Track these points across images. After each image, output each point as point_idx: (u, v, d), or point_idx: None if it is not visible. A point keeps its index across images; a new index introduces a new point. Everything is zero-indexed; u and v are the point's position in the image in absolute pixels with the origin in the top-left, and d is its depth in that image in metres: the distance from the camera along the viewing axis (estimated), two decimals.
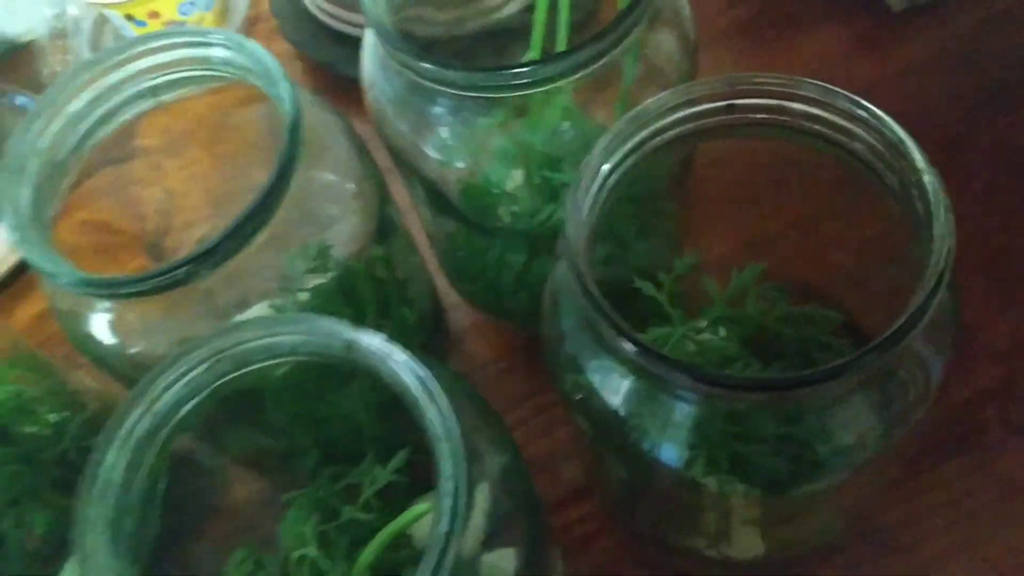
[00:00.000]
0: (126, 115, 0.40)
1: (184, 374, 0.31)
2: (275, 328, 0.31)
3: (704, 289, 0.43)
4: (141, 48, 0.37)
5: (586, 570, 0.48)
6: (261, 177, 0.55)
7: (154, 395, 0.30)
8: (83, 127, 0.38)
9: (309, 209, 0.38)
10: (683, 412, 0.32)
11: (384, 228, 0.43)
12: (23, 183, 0.36)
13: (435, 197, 0.45)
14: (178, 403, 0.31)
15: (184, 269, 0.33)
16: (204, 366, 0.31)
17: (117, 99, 0.39)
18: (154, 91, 0.39)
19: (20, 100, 0.67)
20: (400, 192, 0.46)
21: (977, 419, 0.49)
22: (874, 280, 0.43)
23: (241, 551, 0.41)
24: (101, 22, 0.69)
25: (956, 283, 0.31)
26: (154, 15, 0.64)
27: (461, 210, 0.45)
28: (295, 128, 0.34)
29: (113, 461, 0.30)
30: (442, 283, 0.54)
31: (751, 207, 0.44)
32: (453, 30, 0.50)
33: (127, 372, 0.39)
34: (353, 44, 0.64)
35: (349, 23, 0.63)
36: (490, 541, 0.32)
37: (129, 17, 0.64)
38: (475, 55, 0.51)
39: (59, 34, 0.66)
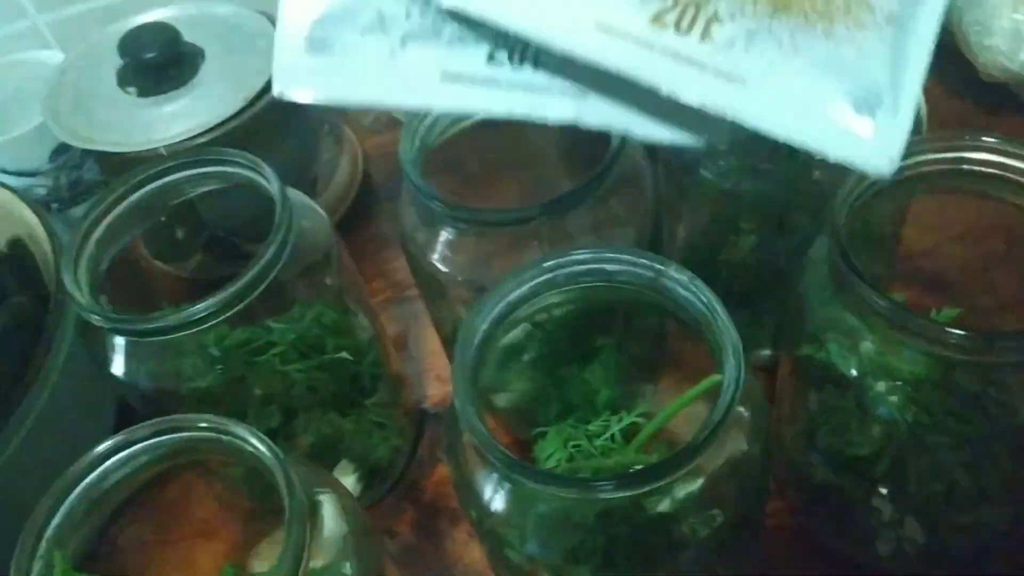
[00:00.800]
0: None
1: (534, 276, 0.42)
2: (602, 255, 0.42)
3: None
4: None
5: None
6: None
7: (515, 284, 0.42)
8: (451, 118, 0.52)
9: (609, 208, 0.50)
10: (910, 367, 0.41)
11: (656, 234, 0.54)
12: (413, 142, 0.49)
13: (694, 217, 0.56)
14: (525, 297, 0.42)
15: (535, 210, 0.45)
16: (548, 275, 0.42)
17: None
18: None
19: (329, 127, 0.83)
20: None
21: None
22: None
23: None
24: None
25: None
26: None
27: (709, 232, 0.56)
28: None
29: (478, 325, 0.41)
30: None
31: (957, 264, 0.53)
32: None
33: (450, 298, 0.51)
34: None
35: None
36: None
37: None
38: None
39: None
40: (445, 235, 0.49)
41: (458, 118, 0.52)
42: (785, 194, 0.53)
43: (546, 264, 0.42)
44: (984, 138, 0.43)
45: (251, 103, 0.69)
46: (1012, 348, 0.38)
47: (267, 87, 0.70)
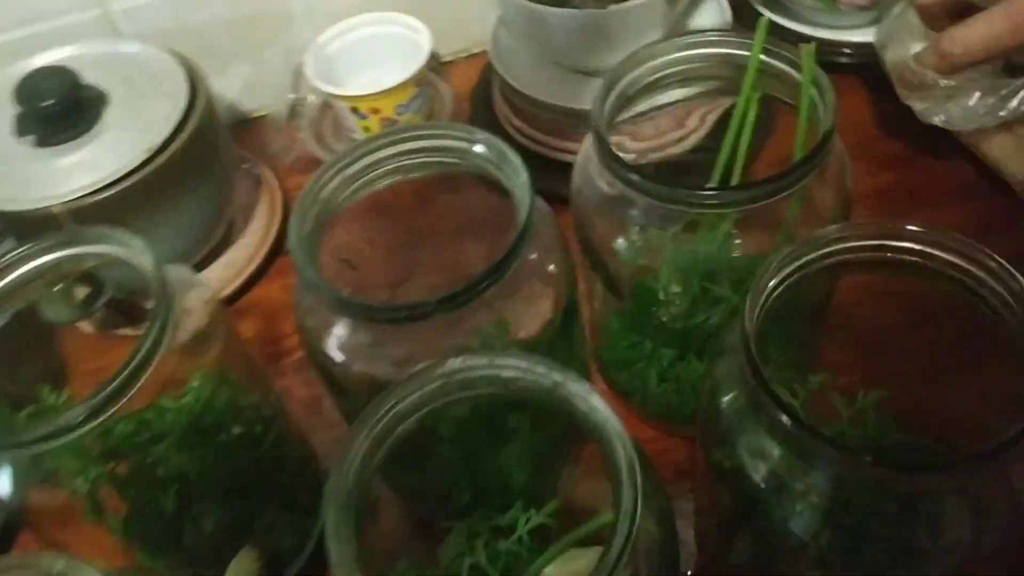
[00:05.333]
0: (380, 184, 0.50)
1: (423, 386, 0.39)
2: (499, 362, 0.39)
3: (828, 407, 0.49)
4: (415, 132, 0.47)
5: None
6: (453, 258, 0.64)
7: (399, 397, 0.39)
8: (354, 186, 0.48)
9: (515, 283, 0.47)
10: (819, 487, 0.38)
11: (568, 311, 0.51)
12: (306, 221, 0.46)
13: (612, 288, 0.53)
14: (413, 409, 0.39)
15: (430, 306, 0.41)
16: (439, 383, 0.39)
17: (381, 171, 0.49)
18: (408, 169, 0.49)
19: (248, 167, 0.79)
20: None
21: None
22: (985, 423, 0.49)
23: (403, 562, 0.48)
24: (324, 108, 0.81)
25: None
26: (375, 111, 0.76)
27: (631, 304, 0.53)
28: (530, 215, 0.43)
29: (358, 448, 0.38)
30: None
31: (883, 338, 0.51)
32: (642, 157, 0.59)
33: (345, 387, 0.48)
34: (539, 162, 0.75)
35: (539, 142, 0.73)
36: None
37: (354, 109, 0.76)
38: (667, 174, 0.60)
39: (294, 115, 0.78)
40: (340, 326, 0.46)
41: (356, 191, 0.49)
42: (703, 265, 0.50)
43: (437, 371, 0.39)
44: (907, 227, 0.41)
45: (159, 151, 0.65)
46: (931, 479, 0.35)
47: (177, 131, 0.66)
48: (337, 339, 0.46)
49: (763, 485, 0.40)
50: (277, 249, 0.76)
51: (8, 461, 0.45)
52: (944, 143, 0.72)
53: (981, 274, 0.39)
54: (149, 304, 0.68)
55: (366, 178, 0.49)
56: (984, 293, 0.40)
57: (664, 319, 0.53)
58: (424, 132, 0.47)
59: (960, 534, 0.39)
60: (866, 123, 0.77)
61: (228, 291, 0.73)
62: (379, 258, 0.65)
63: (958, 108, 0.66)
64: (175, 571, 0.57)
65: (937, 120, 0.67)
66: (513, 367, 0.39)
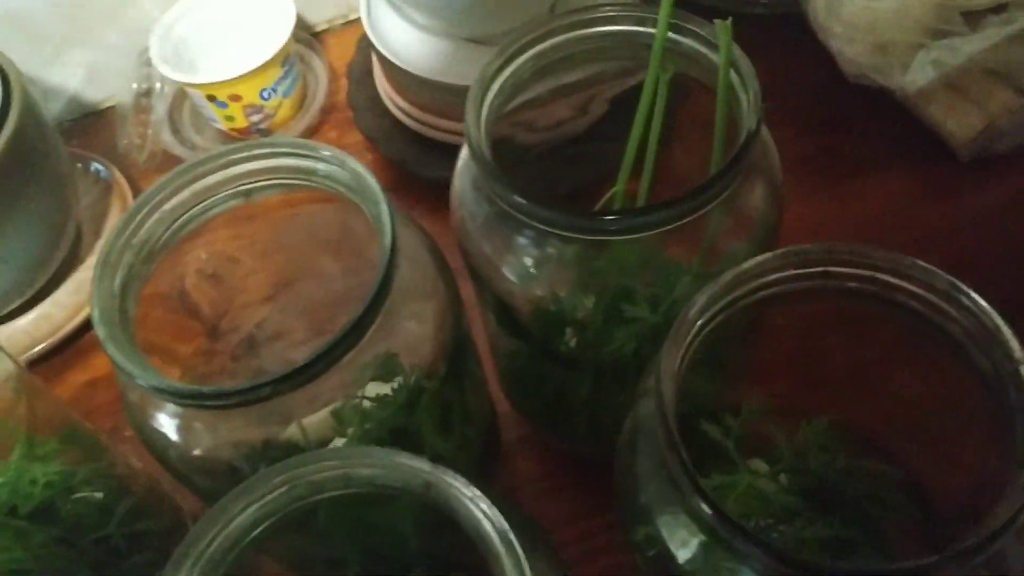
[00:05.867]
0: (216, 212, 0.41)
1: (261, 496, 0.31)
2: (355, 460, 0.31)
3: (763, 430, 0.43)
4: (244, 154, 0.38)
5: None
6: (324, 264, 0.56)
7: (231, 515, 0.30)
8: (176, 224, 0.39)
9: (388, 323, 0.38)
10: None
11: (456, 345, 0.43)
12: (116, 277, 0.36)
13: (505, 315, 0.45)
14: (252, 525, 0.31)
15: (268, 388, 0.33)
16: (282, 490, 0.31)
17: (211, 200, 0.40)
18: (248, 194, 0.40)
19: (95, 167, 0.68)
20: (467, 293, 0.46)
21: None
22: (940, 441, 0.42)
23: None
24: (181, 97, 0.71)
25: None
26: (235, 98, 0.66)
27: (530, 331, 0.45)
28: (392, 255, 0.34)
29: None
30: (494, 390, 0.54)
31: (820, 355, 0.44)
32: (539, 145, 0.50)
33: (186, 471, 0.39)
34: (426, 144, 0.65)
35: (425, 123, 0.64)
36: None
37: (211, 98, 0.66)
38: (556, 170, 0.52)
39: (142, 107, 0.67)
40: (168, 411, 0.37)
41: (206, 207, 0.40)
42: (614, 287, 0.42)
43: (276, 479, 0.30)
44: (851, 251, 0.33)
45: None
46: None
47: None
48: (171, 420, 0.37)
49: (687, 569, 0.33)
50: None
51: None
52: (877, 103, 0.64)
53: (946, 307, 0.32)
54: None
55: (193, 211, 0.39)
56: (948, 327, 0.32)
57: (571, 347, 0.45)
58: (255, 152, 0.38)
59: None
60: (790, 83, 0.69)
61: (77, 320, 0.63)
62: (251, 268, 0.56)
63: (898, 66, 0.59)
64: None
65: (867, 81, 0.59)
66: (373, 464, 0.31)
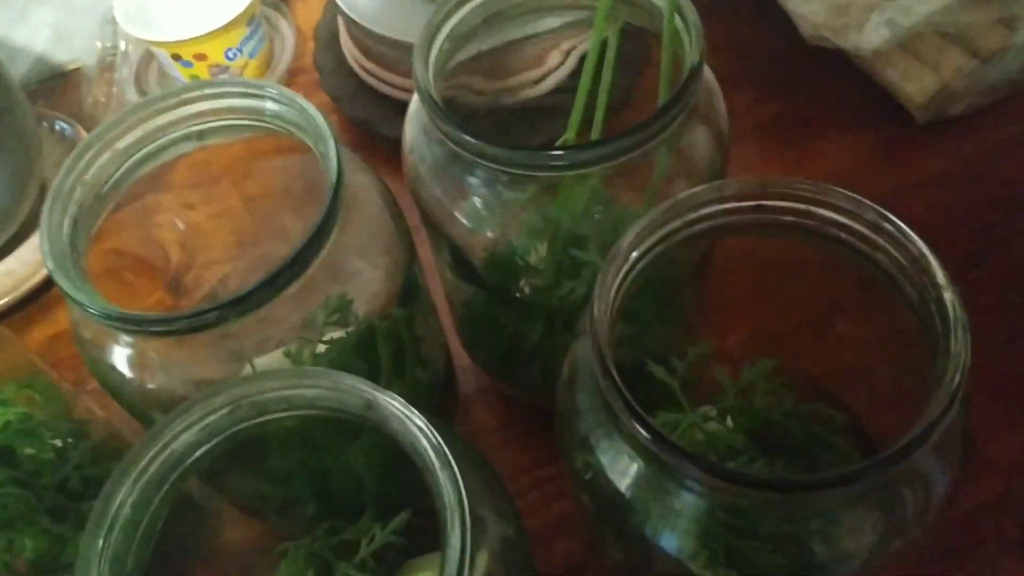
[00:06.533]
0: (169, 155, 0.41)
1: (203, 417, 0.31)
2: (296, 380, 0.32)
3: (714, 378, 0.43)
4: (195, 93, 0.39)
5: None
6: (288, 222, 0.56)
7: (171, 436, 0.31)
8: (128, 163, 0.39)
9: (337, 263, 0.39)
10: (688, 502, 0.32)
11: (408, 288, 0.43)
12: (67, 212, 0.37)
13: (460, 262, 0.46)
14: (194, 445, 0.32)
15: (214, 314, 0.33)
16: (224, 411, 0.32)
17: (164, 139, 0.40)
18: (200, 135, 0.41)
19: (60, 126, 0.68)
20: (424, 252, 0.47)
21: (975, 533, 0.49)
22: (882, 384, 0.43)
23: None
24: (147, 58, 0.71)
25: (967, 401, 0.31)
26: (200, 57, 0.66)
27: (484, 277, 0.46)
28: (337, 188, 0.35)
29: (123, 499, 0.30)
30: (454, 345, 0.55)
31: (767, 302, 0.45)
32: (495, 101, 0.51)
33: (142, 406, 0.40)
34: (391, 104, 0.66)
35: (389, 84, 0.64)
36: None
37: (176, 57, 0.66)
38: (512, 128, 0.52)
39: (107, 66, 0.67)
40: (121, 340, 0.37)
41: (155, 148, 0.40)
42: (565, 232, 0.43)
43: (218, 400, 0.31)
44: (785, 185, 0.34)
45: None
46: (814, 495, 0.29)
47: None
48: (124, 352, 0.38)
49: (628, 496, 0.33)
50: None
51: None
52: (835, 65, 0.65)
53: (873, 235, 0.33)
54: None
55: (146, 150, 0.40)
56: (877, 257, 0.33)
57: (525, 293, 0.46)
58: (207, 92, 0.39)
59: (863, 538, 0.33)
60: (748, 46, 0.70)
61: (42, 274, 0.63)
62: (215, 225, 0.57)
63: (854, 27, 0.60)
64: None
65: (825, 43, 0.60)
66: (314, 386, 0.31)
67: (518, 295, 0.46)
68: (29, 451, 0.46)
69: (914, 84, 0.61)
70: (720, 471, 0.28)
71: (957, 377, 0.28)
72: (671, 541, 0.33)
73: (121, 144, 0.39)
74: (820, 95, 0.67)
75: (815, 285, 0.42)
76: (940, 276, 0.31)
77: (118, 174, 0.39)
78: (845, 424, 0.45)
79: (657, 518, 0.33)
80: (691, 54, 0.38)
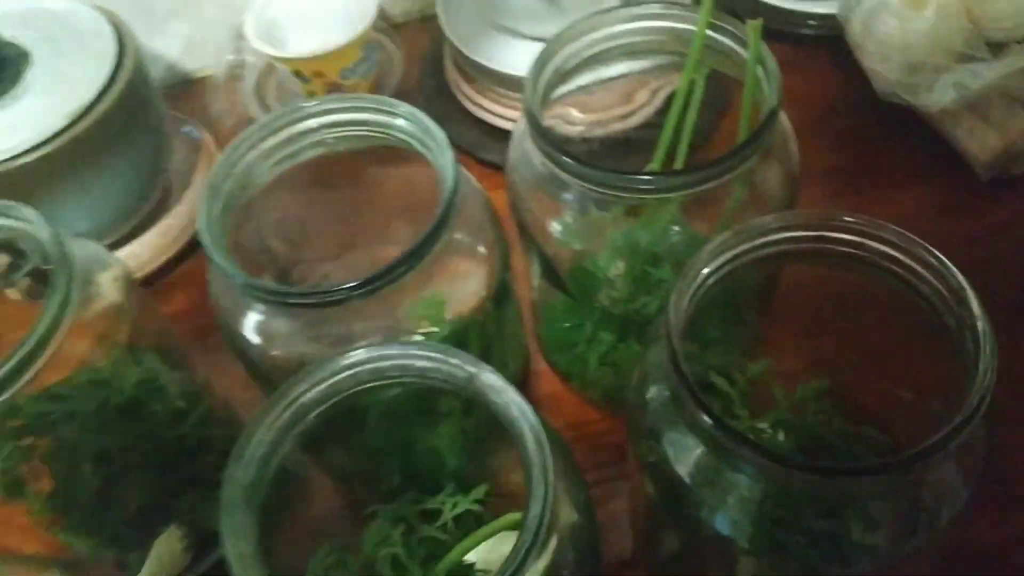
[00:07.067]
0: (303, 156, 0.48)
1: (330, 376, 0.37)
2: (411, 351, 0.37)
3: (771, 395, 0.48)
4: (336, 104, 0.45)
5: None
6: (392, 228, 0.62)
7: (301, 390, 0.36)
8: (270, 161, 0.46)
9: (445, 260, 0.45)
10: (741, 485, 0.36)
11: (500, 292, 0.49)
12: (218, 198, 0.43)
13: (549, 271, 0.51)
14: (318, 401, 0.37)
15: (343, 292, 0.39)
16: (347, 373, 0.37)
17: (303, 143, 0.46)
18: (333, 142, 0.47)
19: (187, 129, 0.76)
20: (515, 262, 0.52)
21: (1008, 565, 0.52)
22: (924, 415, 0.47)
23: (325, 548, 0.46)
24: (268, 72, 0.78)
25: (992, 417, 0.35)
26: (318, 74, 0.73)
27: (568, 287, 0.51)
28: (453, 195, 0.41)
29: (260, 438, 0.36)
30: (532, 350, 0.60)
31: (821, 329, 0.49)
32: (587, 132, 0.56)
33: (262, 369, 0.46)
34: (486, 129, 0.72)
35: (487, 110, 0.71)
36: None
37: (297, 73, 0.73)
38: (600, 158, 0.57)
39: (234, 77, 0.75)
40: (255, 310, 0.43)
41: (278, 163, 0.46)
42: (645, 251, 0.48)
43: (343, 362, 0.37)
44: (845, 218, 0.39)
45: (82, 115, 0.62)
46: (849, 481, 0.34)
47: (102, 94, 0.63)
48: (254, 322, 0.44)
49: (687, 481, 0.38)
50: None
51: None
52: (905, 121, 0.70)
53: (919, 268, 0.37)
54: None
55: (285, 152, 0.46)
56: (922, 288, 0.38)
57: (604, 303, 0.51)
58: (346, 105, 0.45)
59: (889, 532, 0.37)
60: (825, 98, 0.74)
61: (162, 260, 0.70)
62: (318, 231, 0.63)
63: (925, 86, 0.64)
64: (98, 551, 0.56)
65: (897, 99, 0.64)
66: (425, 357, 0.37)
67: (597, 305, 0.51)
68: (156, 409, 0.52)
69: (979, 143, 0.65)
70: (771, 453, 0.33)
71: (983, 386, 0.33)
72: (723, 521, 0.38)
73: (266, 145, 0.45)
74: (889, 148, 0.71)
75: (866, 316, 0.46)
76: (976, 307, 0.35)
77: (261, 170, 0.45)
78: (887, 447, 0.49)
79: (712, 500, 0.38)
80: (770, 99, 0.43)
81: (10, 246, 0.61)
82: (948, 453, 0.33)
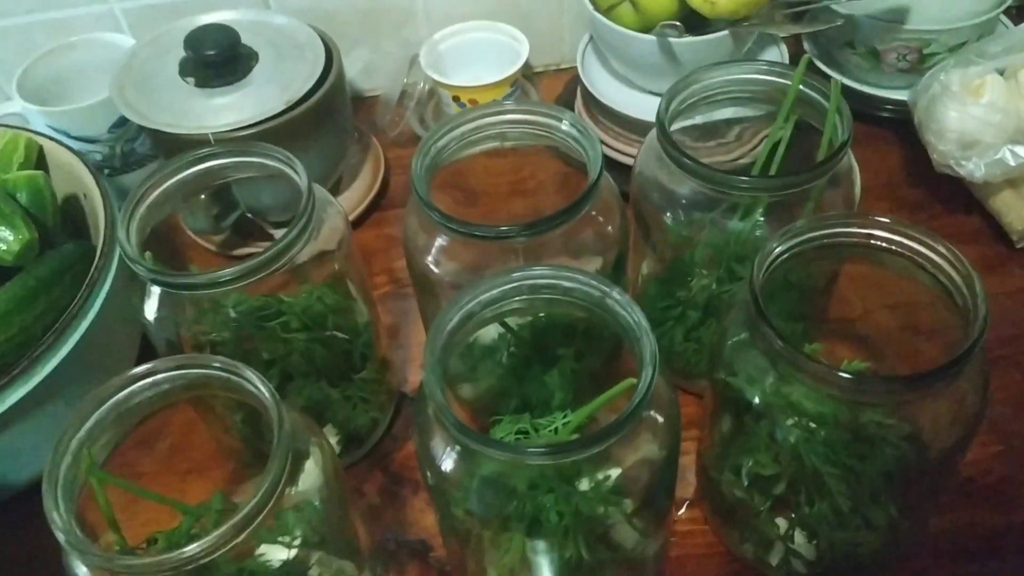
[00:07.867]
0: (480, 146, 0.63)
1: (498, 287, 0.51)
2: (560, 273, 0.51)
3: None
4: (512, 106, 0.60)
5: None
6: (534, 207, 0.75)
7: (483, 289, 0.51)
8: (463, 142, 0.61)
9: (582, 237, 0.59)
10: (805, 399, 0.50)
11: (617, 267, 0.63)
12: (426, 160, 0.59)
13: (657, 254, 0.66)
14: (491, 301, 0.51)
15: (516, 229, 0.54)
16: (510, 285, 0.51)
17: (484, 133, 0.61)
18: (505, 136, 0.62)
19: (360, 136, 0.92)
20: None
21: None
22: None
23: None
24: (430, 95, 0.95)
25: (985, 366, 0.48)
26: (473, 102, 0.89)
27: (670, 271, 0.66)
28: (598, 179, 0.56)
29: (448, 318, 0.50)
30: None
31: (865, 316, 0.62)
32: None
33: (439, 292, 0.60)
34: (610, 165, 0.87)
35: (611, 147, 0.86)
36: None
37: (456, 98, 0.89)
38: None
39: (405, 97, 0.92)
40: (440, 241, 0.58)
41: (467, 144, 0.62)
42: (734, 246, 0.62)
43: (514, 274, 0.51)
44: (881, 219, 0.52)
45: (293, 106, 0.78)
46: (883, 390, 0.48)
47: (310, 92, 0.79)
48: (436, 254, 0.59)
49: (756, 400, 0.52)
50: (375, 205, 0.90)
51: (164, 296, 0.58)
52: (957, 193, 0.83)
53: (937, 258, 0.51)
54: (271, 227, 0.82)
55: (471, 138, 0.61)
56: (941, 277, 0.51)
57: (694, 288, 0.65)
58: (522, 107, 0.60)
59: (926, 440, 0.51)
60: (894, 170, 0.89)
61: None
62: (493, 204, 0.75)
63: (971, 163, 0.77)
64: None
65: (949, 170, 0.78)
66: (571, 279, 0.51)
67: (689, 289, 0.65)
68: (327, 332, 0.66)
69: (1013, 213, 0.78)
70: (830, 369, 0.46)
71: (978, 329, 0.46)
72: (790, 433, 0.51)
73: (457, 131, 0.61)
74: (938, 211, 0.84)
75: (902, 308, 0.59)
76: (978, 287, 0.49)
77: (455, 146, 0.61)
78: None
79: (780, 417, 0.51)
80: (842, 136, 0.58)
81: (224, 195, 0.78)
82: (963, 372, 0.47)
